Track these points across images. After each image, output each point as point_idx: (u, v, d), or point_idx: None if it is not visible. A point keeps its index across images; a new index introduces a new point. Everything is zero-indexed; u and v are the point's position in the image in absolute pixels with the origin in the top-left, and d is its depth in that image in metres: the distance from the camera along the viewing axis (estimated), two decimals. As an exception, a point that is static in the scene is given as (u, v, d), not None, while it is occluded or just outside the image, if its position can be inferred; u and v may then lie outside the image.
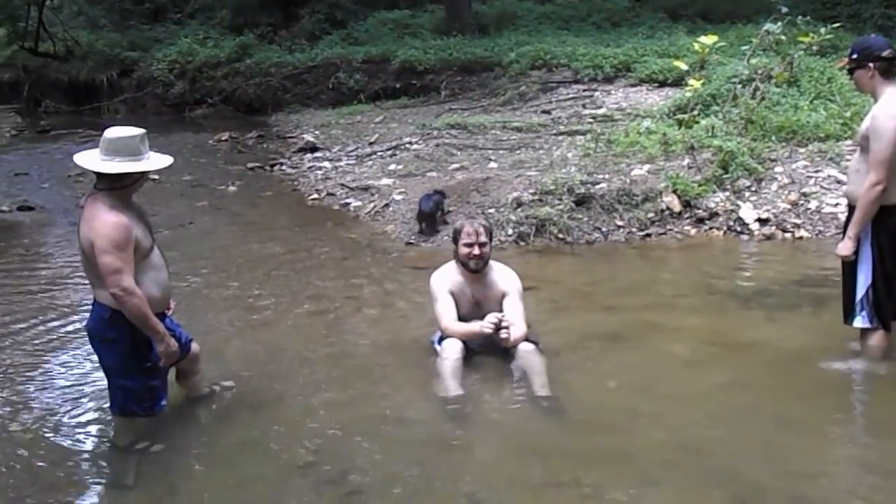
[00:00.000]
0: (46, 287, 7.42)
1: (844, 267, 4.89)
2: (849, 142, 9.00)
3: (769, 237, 8.07)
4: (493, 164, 10.44)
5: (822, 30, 10.53)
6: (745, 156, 8.81)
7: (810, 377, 4.92)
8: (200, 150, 15.17)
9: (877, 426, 4.47)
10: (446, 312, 5.20)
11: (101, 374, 4.51)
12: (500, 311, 5.14)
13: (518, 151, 10.97)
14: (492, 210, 8.59)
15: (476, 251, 5.18)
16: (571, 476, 3.88)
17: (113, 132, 4.14)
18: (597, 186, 8.68)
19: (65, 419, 4.76)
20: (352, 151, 13.11)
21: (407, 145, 12.45)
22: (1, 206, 10.93)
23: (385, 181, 10.63)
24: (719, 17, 17.45)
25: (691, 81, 10.59)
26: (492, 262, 5.36)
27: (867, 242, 4.71)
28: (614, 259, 7.80)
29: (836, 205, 8.14)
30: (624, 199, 8.50)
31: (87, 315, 4.41)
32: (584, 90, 14.35)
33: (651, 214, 8.39)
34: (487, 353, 5.13)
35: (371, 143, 13.39)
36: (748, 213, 8.31)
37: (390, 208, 9.56)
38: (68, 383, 5.24)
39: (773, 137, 9.40)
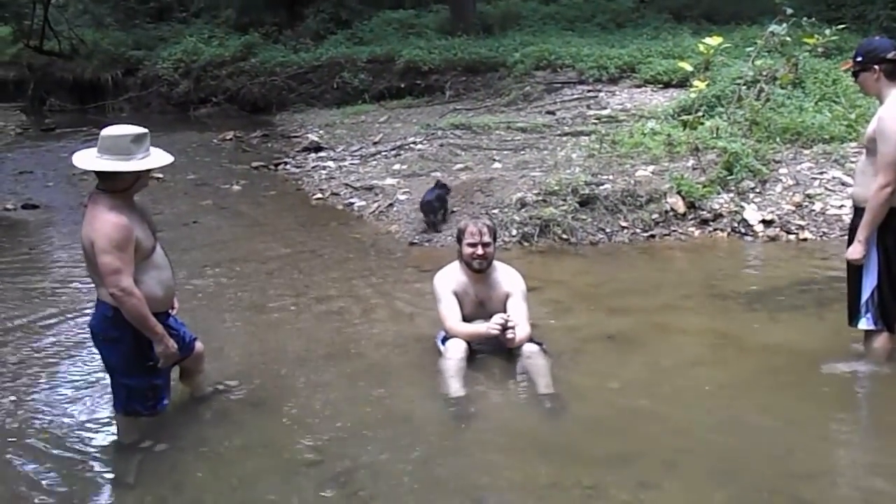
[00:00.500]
0: (51, 285, 7.44)
1: (850, 269, 4.87)
2: (853, 144, 8.99)
3: (773, 239, 8.06)
4: (497, 165, 10.44)
5: (827, 31, 10.53)
6: (750, 157, 8.80)
7: (814, 379, 4.91)
8: (205, 149, 15.19)
9: (881, 428, 4.47)
10: (450, 313, 5.21)
11: (105, 372, 4.51)
12: (504, 311, 5.15)
13: (522, 152, 10.97)
14: (496, 210, 8.59)
15: (480, 251, 5.19)
16: (575, 476, 3.88)
17: (108, 130, 4.14)
18: (601, 187, 8.67)
19: (69, 417, 4.78)
20: (356, 151, 13.11)
21: (411, 145, 12.45)
22: (6, 205, 10.96)
23: (389, 181, 10.63)
24: (724, 19, 17.46)
25: (696, 82, 10.57)
26: (496, 263, 5.36)
27: (873, 245, 4.69)
28: (618, 260, 7.79)
29: (841, 206, 8.13)
30: (628, 200, 8.50)
31: (91, 313, 4.42)
32: (589, 91, 14.34)
33: (655, 215, 8.39)
34: (491, 353, 5.14)
35: (375, 143, 13.40)
36: (752, 214, 8.30)
37: (394, 208, 9.56)
38: (73, 381, 5.25)
39: (778, 139, 9.39)
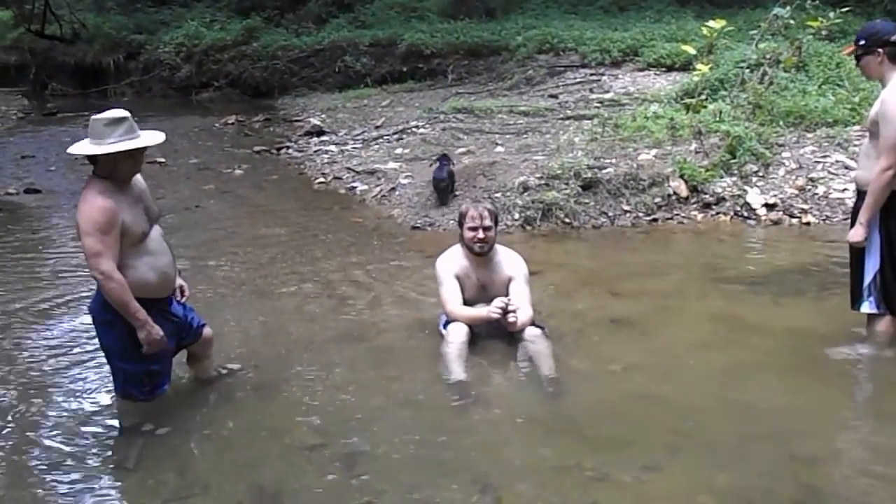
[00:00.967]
0: (52, 269, 7.45)
1: (852, 252, 4.87)
2: (857, 127, 8.97)
3: (776, 222, 8.05)
4: (499, 149, 10.42)
5: (831, 14, 10.43)
6: (753, 141, 8.78)
7: (817, 362, 4.92)
8: (207, 133, 15.18)
9: (883, 411, 4.47)
10: (451, 296, 5.20)
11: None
12: (506, 295, 5.14)
13: (525, 136, 10.95)
14: (498, 194, 8.58)
15: (481, 234, 5.18)
16: (577, 459, 3.89)
17: (95, 115, 4.14)
18: (603, 171, 8.66)
19: (70, 400, 4.78)
20: (358, 135, 13.10)
21: (413, 129, 12.44)
22: (8, 189, 10.97)
23: (391, 165, 10.62)
24: (727, 2, 17.38)
25: (699, 66, 10.51)
26: (497, 246, 5.36)
27: (875, 228, 4.68)
28: (620, 244, 7.79)
29: (844, 190, 8.12)
30: (631, 184, 8.49)
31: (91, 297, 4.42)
32: (592, 74, 14.32)
33: (658, 199, 8.38)
34: (493, 337, 5.13)
35: (377, 127, 13.39)
36: (755, 198, 8.29)
37: (397, 192, 9.55)
38: (74, 364, 5.25)
39: (781, 122, 9.37)
